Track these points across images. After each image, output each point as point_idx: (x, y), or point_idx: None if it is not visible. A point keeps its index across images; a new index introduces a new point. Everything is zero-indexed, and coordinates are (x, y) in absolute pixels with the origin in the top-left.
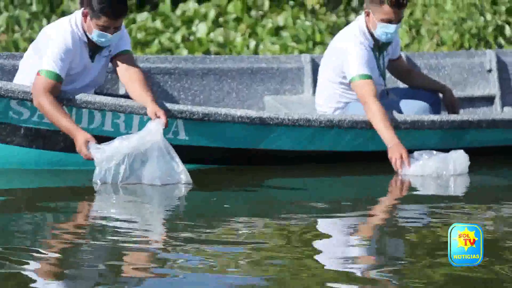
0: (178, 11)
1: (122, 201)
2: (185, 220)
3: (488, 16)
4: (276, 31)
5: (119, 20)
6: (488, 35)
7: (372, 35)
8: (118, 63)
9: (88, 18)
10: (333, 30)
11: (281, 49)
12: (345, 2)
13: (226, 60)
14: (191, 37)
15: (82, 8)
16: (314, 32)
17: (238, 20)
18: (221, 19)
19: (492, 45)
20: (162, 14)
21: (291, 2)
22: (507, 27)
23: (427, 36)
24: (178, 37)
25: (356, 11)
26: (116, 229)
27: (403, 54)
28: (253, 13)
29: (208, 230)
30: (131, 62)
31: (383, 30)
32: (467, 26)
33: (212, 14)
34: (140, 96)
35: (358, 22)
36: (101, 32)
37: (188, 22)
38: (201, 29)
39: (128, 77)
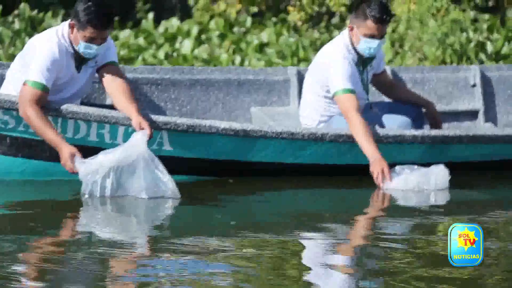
0: (161, 28)
1: (108, 214)
2: (169, 233)
3: (470, 33)
4: (261, 47)
5: (105, 31)
6: (470, 51)
7: (356, 49)
8: (104, 74)
9: (75, 29)
10: (317, 46)
11: (266, 65)
12: (326, 19)
13: (213, 71)
14: (174, 54)
15: (69, 20)
16: (298, 48)
17: (221, 36)
18: (203, 36)
19: (473, 60)
20: (145, 31)
21: (274, 19)
22: (488, 44)
23: (410, 51)
24: (161, 54)
25: (338, 28)
26: (101, 242)
27: (388, 68)
28: (236, 29)
29: (192, 244)
30: (117, 73)
31: (366, 45)
32: (449, 41)
33: (195, 31)
34: (125, 107)
35: (342, 37)
36: (87, 43)
37: (171, 39)
38: (185, 45)
39: (114, 88)
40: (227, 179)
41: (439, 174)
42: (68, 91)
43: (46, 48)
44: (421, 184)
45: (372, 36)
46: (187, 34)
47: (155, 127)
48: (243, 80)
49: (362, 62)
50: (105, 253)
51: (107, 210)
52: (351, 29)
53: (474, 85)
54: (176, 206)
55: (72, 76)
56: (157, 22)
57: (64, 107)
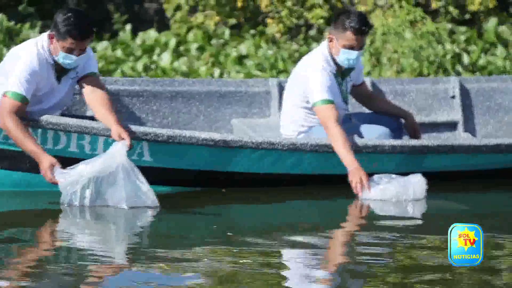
0: (139, 40)
1: (88, 224)
2: (147, 243)
3: (447, 45)
4: (239, 59)
5: (84, 42)
6: (446, 62)
7: (335, 60)
8: (84, 85)
9: (54, 40)
10: (295, 58)
11: (246, 77)
12: (305, 31)
13: (194, 83)
14: (153, 66)
15: (49, 31)
16: (277, 60)
17: (200, 49)
18: (182, 48)
19: (450, 72)
20: (122, 43)
21: (252, 31)
22: (465, 55)
23: (388, 63)
24: (139, 66)
25: (316, 40)
26: (80, 252)
27: (368, 80)
28: (214, 41)
29: (170, 254)
30: (97, 84)
31: (345, 56)
32: (426, 53)
33: (173, 42)
34: (105, 118)
35: (322, 48)
36: (67, 54)
37: (149, 51)
38: (164, 58)
39: (93, 99)
40: (217, 189)
41: (417, 184)
42: (49, 101)
43: (25, 60)
44: (400, 194)
45: (351, 47)
46: (165, 46)
47: (135, 137)
48: (224, 92)
49: (341, 73)
50: (83, 263)
51: (87, 221)
52: (331, 40)
53: (453, 97)
54: (155, 216)
55: (53, 87)
56: (134, 33)
57: (44, 118)
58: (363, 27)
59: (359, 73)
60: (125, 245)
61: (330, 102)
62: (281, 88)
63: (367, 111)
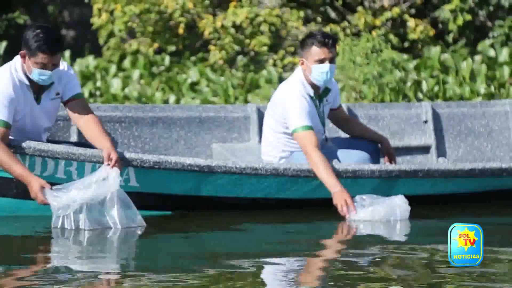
0: (76, 67)
1: (78, 248)
2: (134, 266)
3: (402, 72)
4: (191, 86)
5: (55, 56)
6: (407, 89)
7: (311, 83)
8: (72, 107)
9: (27, 58)
10: (246, 84)
11: (201, 103)
12: (248, 58)
13: (175, 109)
14: (97, 92)
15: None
16: (227, 86)
17: (141, 75)
18: (120, 74)
19: (411, 98)
20: None
21: (193, 58)
22: (423, 82)
23: (346, 91)
24: (85, 93)
25: (260, 67)
26: (71, 275)
27: (344, 105)
28: (154, 68)
29: (156, 277)
30: (85, 106)
31: (318, 71)
32: (385, 80)
33: (113, 69)
34: (98, 140)
35: (296, 74)
36: (40, 70)
37: (88, 77)
38: (114, 84)
39: (84, 122)
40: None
41: (402, 206)
42: (32, 123)
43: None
44: (388, 215)
45: (321, 61)
46: (105, 71)
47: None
48: (204, 118)
49: (319, 96)
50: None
51: (77, 244)
52: (302, 63)
53: (425, 121)
54: (142, 239)
55: (32, 107)
56: (73, 59)
57: (32, 144)
58: (326, 39)
59: (336, 96)
60: (113, 269)
61: (309, 128)
62: (260, 113)
63: (343, 135)
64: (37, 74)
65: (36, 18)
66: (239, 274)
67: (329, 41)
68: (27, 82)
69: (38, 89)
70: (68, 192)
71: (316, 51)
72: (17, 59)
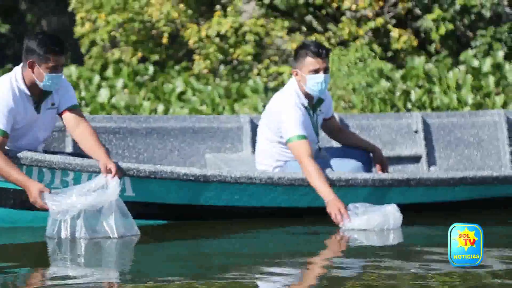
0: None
1: (75, 256)
2: (130, 275)
3: (389, 82)
4: (179, 95)
5: (63, 57)
6: (396, 99)
7: (305, 94)
8: (68, 118)
9: (36, 67)
10: (232, 94)
11: (190, 112)
12: (232, 67)
13: (169, 120)
14: (82, 102)
15: (21, 64)
16: (214, 96)
17: (125, 84)
18: (104, 84)
19: (401, 108)
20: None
21: (177, 67)
22: (412, 92)
23: (339, 100)
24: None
25: (246, 75)
26: (67, 283)
27: (336, 115)
28: (138, 77)
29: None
30: (81, 116)
31: (313, 81)
32: (375, 90)
33: (96, 79)
34: (94, 150)
35: (291, 84)
36: (53, 73)
37: (74, 86)
38: (103, 94)
39: (80, 132)
40: (186, 222)
41: (395, 214)
42: (31, 132)
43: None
44: (382, 223)
45: (316, 71)
46: (89, 81)
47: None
48: (197, 128)
49: (312, 106)
50: None
51: (74, 253)
52: (296, 74)
53: (416, 131)
54: (138, 248)
55: (32, 117)
56: None
57: (29, 155)
58: (320, 49)
59: (329, 106)
60: (108, 278)
61: (304, 137)
62: (253, 124)
63: (336, 144)
64: (51, 79)
65: (15, 27)
66: (235, 283)
67: (322, 52)
68: (28, 92)
69: (38, 99)
70: (68, 197)
71: (310, 61)
72: (17, 70)
